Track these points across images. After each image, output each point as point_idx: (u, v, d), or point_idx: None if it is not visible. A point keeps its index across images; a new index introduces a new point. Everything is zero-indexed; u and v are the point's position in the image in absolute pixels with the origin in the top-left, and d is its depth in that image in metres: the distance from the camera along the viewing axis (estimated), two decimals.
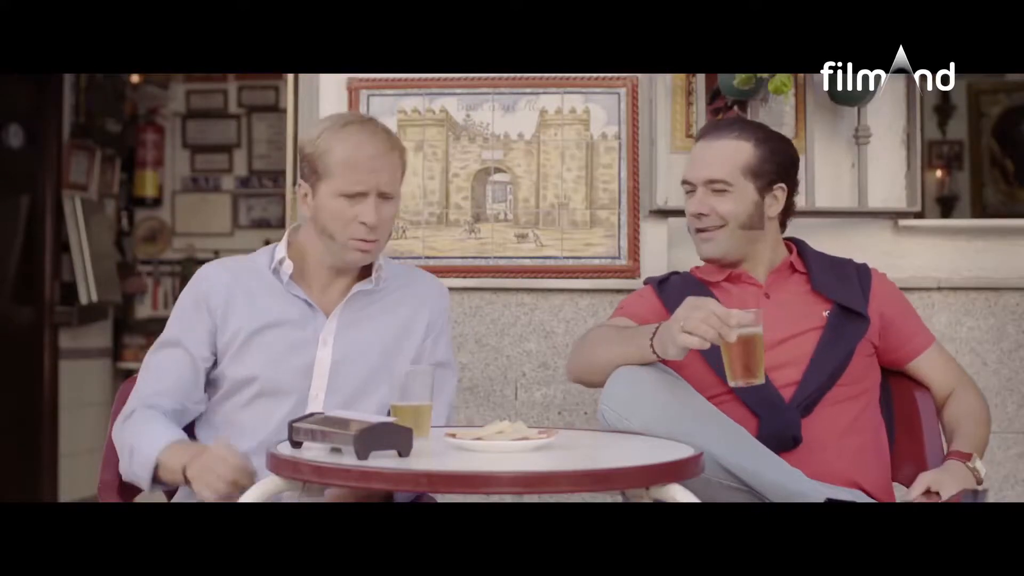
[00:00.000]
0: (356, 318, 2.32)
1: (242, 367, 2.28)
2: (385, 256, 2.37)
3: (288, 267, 2.31)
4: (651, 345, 2.18)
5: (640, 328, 2.27)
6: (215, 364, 2.30)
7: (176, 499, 2.29)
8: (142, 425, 2.23)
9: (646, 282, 2.60)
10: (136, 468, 2.20)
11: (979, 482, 2.24)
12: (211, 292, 2.30)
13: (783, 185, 2.48)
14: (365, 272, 2.35)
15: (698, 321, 2.06)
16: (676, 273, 2.59)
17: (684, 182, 2.51)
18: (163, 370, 2.29)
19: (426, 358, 2.33)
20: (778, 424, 2.31)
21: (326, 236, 2.27)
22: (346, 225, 2.25)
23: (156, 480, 2.19)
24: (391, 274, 2.37)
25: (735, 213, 2.44)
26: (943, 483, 2.19)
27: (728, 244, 2.46)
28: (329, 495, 2.07)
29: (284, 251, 2.32)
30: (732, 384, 2.12)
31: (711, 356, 2.39)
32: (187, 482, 2.12)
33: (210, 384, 2.32)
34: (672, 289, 2.49)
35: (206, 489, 2.06)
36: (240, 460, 2.07)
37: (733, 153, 2.44)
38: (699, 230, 2.47)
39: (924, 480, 2.21)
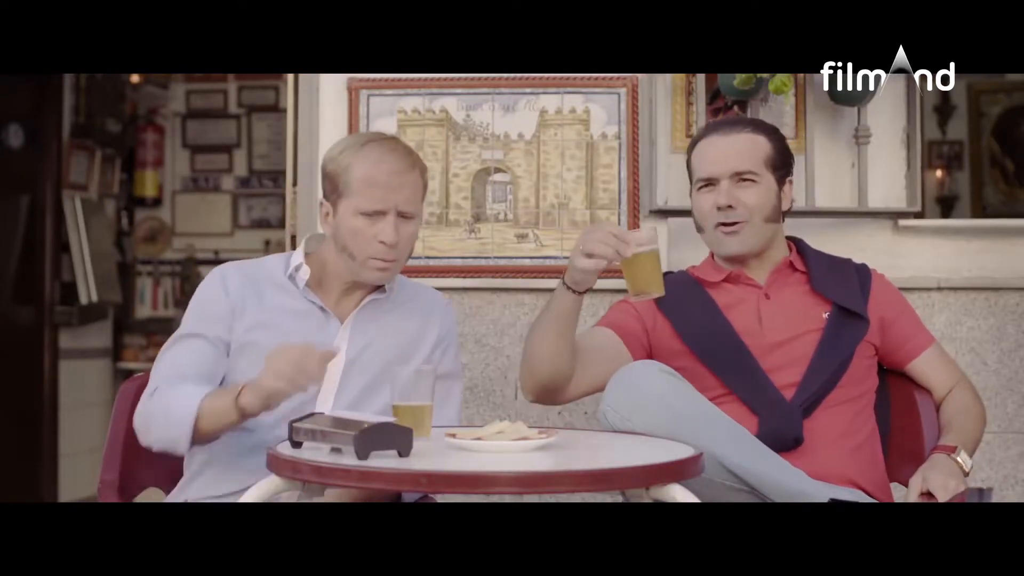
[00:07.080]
0: (369, 324, 2.32)
1: (252, 364, 2.26)
2: None
3: (305, 273, 2.30)
4: (564, 283, 2.25)
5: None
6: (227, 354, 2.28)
7: (174, 499, 2.30)
8: (170, 389, 2.19)
9: None
10: (174, 425, 2.13)
11: (965, 474, 2.25)
12: (228, 286, 2.29)
13: (791, 179, 2.52)
14: (378, 285, 2.36)
15: (596, 242, 2.16)
16: (670, 272, 2.57)
17: (703, 179, 2.47)
18: (181, 357, 2.26)
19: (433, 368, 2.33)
20: (778, 423, 2.31)
21: (346, 255, 2.27)
22: (366, 244, 2.24)
23: (195, 435, 2.13)
24: (400, 285, 2.38)
25: (761, 204, 2.44)
26: (929, 478, 2.20)
27: (754, 238, 2.45)
28: (333, 495, 2.06)
29: (301, 258, 2.32)
30: (633, 299, 2.24)
31: (708, 357, 2.40)
32: (240, 415, 2.09)
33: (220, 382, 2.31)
34: (668, 290, 2.47)
35: (279, 377, 2.03)
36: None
37: (754, 146, 2.46)
38: (723, 224, 2.44)
39: (917, 482, 2.21)
